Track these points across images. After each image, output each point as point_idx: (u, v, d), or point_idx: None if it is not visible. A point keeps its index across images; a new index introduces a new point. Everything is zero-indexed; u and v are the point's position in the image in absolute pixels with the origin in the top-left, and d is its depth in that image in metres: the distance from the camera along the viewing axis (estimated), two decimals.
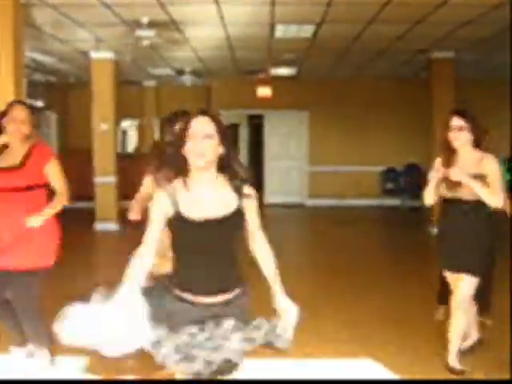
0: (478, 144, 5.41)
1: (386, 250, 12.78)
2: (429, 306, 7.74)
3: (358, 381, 5.39)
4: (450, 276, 5.56)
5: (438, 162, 5.56)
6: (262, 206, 19.37)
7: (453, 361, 5.49)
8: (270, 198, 19.67)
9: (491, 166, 5.27)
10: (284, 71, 17.07)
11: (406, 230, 15.00)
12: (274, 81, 18.18)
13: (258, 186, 20.61)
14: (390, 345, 6.23)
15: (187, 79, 17.42)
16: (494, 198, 5.15)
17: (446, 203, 5.54)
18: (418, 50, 13.68)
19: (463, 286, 5.37)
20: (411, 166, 18.65)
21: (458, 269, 5.42)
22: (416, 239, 13.60)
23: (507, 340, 5.86)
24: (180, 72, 16.92)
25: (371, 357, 5.85)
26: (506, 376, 5.21)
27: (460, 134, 5.35)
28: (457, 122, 5.38)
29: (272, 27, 11.46)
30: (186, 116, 4.70)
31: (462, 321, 5.46)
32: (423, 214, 14.63)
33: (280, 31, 11.79)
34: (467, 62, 14.99)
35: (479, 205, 5.25)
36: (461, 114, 5.42)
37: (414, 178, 18.04)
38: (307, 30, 11.73)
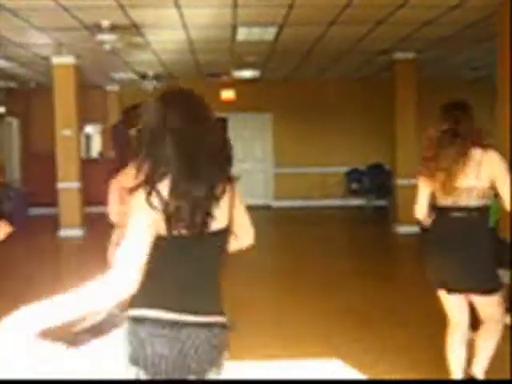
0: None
1: (352, 250, 12.84)
2: (394, 305, 7.80)
3: (356, 381, 5.34)
4: (454, 297, 4.74)
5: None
6: None
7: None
8: None
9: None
10: (247, 74, 17.06)
11: (371, 229, 15.10)
12: (238, 83, 18.17)
13: None
14: (355, 344, 6.25)
15: (150, 83, 17.33)
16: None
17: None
18: (380, 50, 13.76)
19: (491, 307, 4.66)
20: (375, 166, 18.75)
21: (471, 289, 4.64)
22: (381, 238, 13.70)
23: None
24: (143, 76, 16.84)
25: (337, 357, 5.85)
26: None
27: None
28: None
29: (234, 30, 11.46)
30: None
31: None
32: (388, 213, 14.75)
33: (242, 34, 11.79)
34: (429, 61, 15.13)
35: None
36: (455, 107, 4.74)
37: (378, 178, 18.15)
38: (269, 33, 11.74)
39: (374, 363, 5.68)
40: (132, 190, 2.52)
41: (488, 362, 4.85)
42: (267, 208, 19.33)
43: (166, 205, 2.49)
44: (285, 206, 19.33)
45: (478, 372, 4.88)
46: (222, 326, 2.66)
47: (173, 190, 2.50)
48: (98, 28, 10.75)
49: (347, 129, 19.36)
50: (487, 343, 4.81)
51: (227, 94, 18.45)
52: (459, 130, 4.59)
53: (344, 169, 19.29)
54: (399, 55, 14.14)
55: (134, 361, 2.56)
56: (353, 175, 19.20)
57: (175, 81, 17.83)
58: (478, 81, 17.23)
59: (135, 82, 17.87)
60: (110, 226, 4.65)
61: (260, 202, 19.55)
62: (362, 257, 11.75)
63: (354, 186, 19.16)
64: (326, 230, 15.14)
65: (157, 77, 16.91)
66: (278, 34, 11.89)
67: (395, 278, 9.86)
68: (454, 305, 4.77)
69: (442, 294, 4.77)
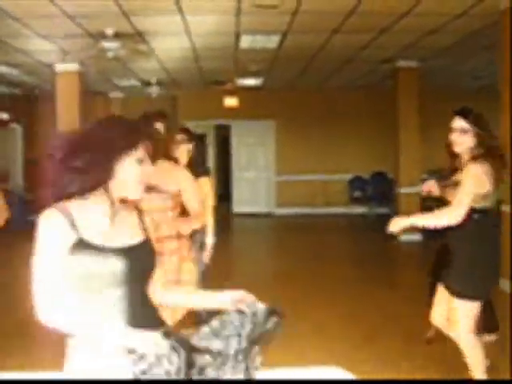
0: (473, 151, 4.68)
1: (354, 257, 12.83)
2: (396, 312, 7.79)
3: (357, 381, 5.29)
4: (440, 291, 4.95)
5: None
6: (229, 215, 19.39)
7: None
8: (237, 208, 19.69)
9: (465, 175, 4.61)
10: (250, 81, 17.09)
11: (374, 236, 15.07)
12: (241, 91, 18.19)
13: (226, 196, 20.64)
14: (357, 352, 6.24)
15: (153, 90, 17.37)
16: (447, 217, 4.60)
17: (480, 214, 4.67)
18: (383, 59, 13.77)
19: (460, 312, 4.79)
20: (378, 174, 18.76)
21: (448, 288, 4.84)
22: (384, 246, 13.67)
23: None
24: (146, 83, 16.87)
25: (338, 364, 5.85)
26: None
27: (461, 138, 4.70)
28: (458, 123, 4.72)
29: (237, 37, 11.48)
30: (162, 117, 4.66)
31: None
32: (390, 221, 14.71)
33: (245, 41, 11.81)
34: (433, 70, 15.13)
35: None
36: (464, 114, 4.73)
37: (381, 186, 18.16)
38: (273, 40, 11.76)
39: (374, 372, 5.67)
40: None
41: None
42: (270, 216, 19.32)
43: None
44: (287, 213, 19.32)
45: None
46: None
47: None
48: (102, 35, 10.78)
49: (350, 137, 19.38)
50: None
51: (230, 102, 18.49)
52: None
53: (347, 177, 19.30)
54: (402, 64, 14.15)
55: None
56: (355, 183, 19.21)
57: (178, 88, 17.91)
58: (481, 90, 17.22)
59: (139, 89, 17.91)
60: None
61: (262, 209, 19.58)
62: (364, 264, 11.74)
63: (357, 193, 19.18)
64: (329, 238, 15.14)
65: (160, 84, 16.94)
66: (281, 42, 11.91)
67: (398, 286, 9.84)
68: (438, 298, 4.99)
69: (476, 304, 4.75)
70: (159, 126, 4.58)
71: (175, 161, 5.00)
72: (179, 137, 6.43)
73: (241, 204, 19.77)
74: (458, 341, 4.84)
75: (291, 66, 14.84)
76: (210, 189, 6.61)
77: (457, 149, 4.74)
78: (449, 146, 4.81)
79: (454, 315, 4.80)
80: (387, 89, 15.80)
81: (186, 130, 6.73)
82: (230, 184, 20.34)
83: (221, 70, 15.34)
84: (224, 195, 21.40)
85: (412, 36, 11.57)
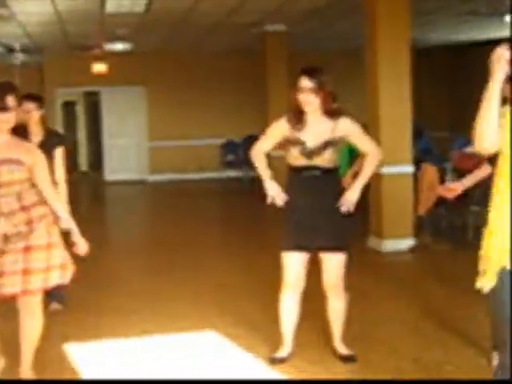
0: (327, 109, 4.76)
1: (228, 222, 12.93)
2: (267, 276, 7.89)
3: (356, 381, 5.12)
4: (299, 256, 4.94)
5: (284, 122, 4.96)
6: (101, 183, 19.11)
7: (342, 347, 5.13)
8: (110, 176, 19.42)
9: (348, 124, 4.81)
10: (119, 46, 16.76)
11: (247, 200, 15.22)
12: (110, 56, 17.76)
13: (98, 163, 20.33)
14: (228, 316, 6.27)
15: (17, 57, 16.75)
16: (377, 151, 4.91)
17: (295, 171, 4.97)
18: (251, 23, 13.81)
19: (336, 265, 4.88)
20: (249, 138, 18.85)
21: (321, 247, 4.86)
22: (257, 209, 13.84)
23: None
24: (9, 49, 16.23)
25: (211, 329, 5.90)
26: None
27: (310, 97, 4.69)
28: (307, 83, 4.69)
29: (103, 1, 11.20)
30: (15, 90, 4.44)
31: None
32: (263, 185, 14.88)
33: (111, 6, 11.52)
34: (301, 34, 15.29)
35: (331, 172, 4.86)
36: (312, 73, 4.71)
37: None
38: (140, 4, 11.54)
39: (247, 334, 5.73)
40: None
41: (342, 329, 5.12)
42: (143, 183, 19.16)
43: None
44: (160, 180, 19.20)
45: (340, 347, 5.10)
46: None
47: None
48: None
49: (222, 101, 19.39)
50: (338, 316, 5.07)
51: (99, 68, 18.00)
52: None
53: (219, 141, 19.34)
54: (270, 27, 14.25)
55: None
56: (228, 147, 19.30)
57: (45, 54, 17.38)
58: (350, 52, 17.58)
59: (2, 56, 17.22)
60: None
61: (135, 176, 19.39)
62: (239, 228, 11.77)
63: (230, 157, 19.27)
64: (203, 203, 15.17)
65: (25, 50, 16.35)
66: (148, 6, 11.71)
67: (270, 250, 9.99)
68: (296, 265, 4.96)
69: (287, 255, 4.98)
70: (10, 99, 4.31)
71: (23, 136, 4.75)
72: (28, 105, 6.05)
73: (113, 172, 19.48)
74: (338, 299, 5.01)
75: (160, 30, 14.65)
76: (64, 159, 6.26)
77: (306, 108, 4.76)
78: (296, 105, 4.81)
79: (337, 275, 4.94)
80: (257, 53, 15.88)
81: (32, 97, 6.33)
82: (101, 152, 20.00)
83: (87, 35, 14.94)
84: (95, 163, 21.05)
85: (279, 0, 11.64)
